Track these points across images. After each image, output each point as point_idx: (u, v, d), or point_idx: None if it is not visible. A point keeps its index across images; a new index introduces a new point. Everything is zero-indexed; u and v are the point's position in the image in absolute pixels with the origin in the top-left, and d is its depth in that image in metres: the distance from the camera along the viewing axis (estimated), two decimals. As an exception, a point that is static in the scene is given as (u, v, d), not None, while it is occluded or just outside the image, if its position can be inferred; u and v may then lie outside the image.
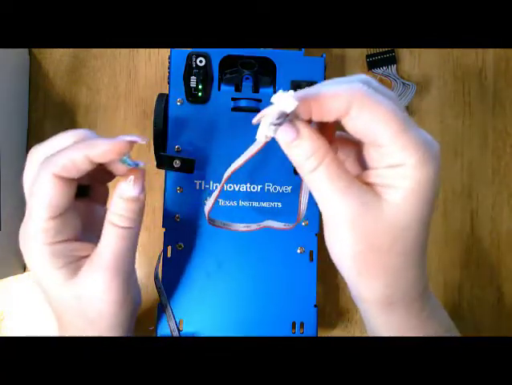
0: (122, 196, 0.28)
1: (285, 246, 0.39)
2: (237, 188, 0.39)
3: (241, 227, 0.33)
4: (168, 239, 0.38)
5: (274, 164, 0.39)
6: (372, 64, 0.45)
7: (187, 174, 0.38)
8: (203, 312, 0.38)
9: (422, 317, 0.27)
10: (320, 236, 0.39)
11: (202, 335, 0.38)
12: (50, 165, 0.27)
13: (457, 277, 0.44)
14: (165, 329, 0.38)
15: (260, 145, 0.25)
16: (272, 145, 0.39)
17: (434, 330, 0.28)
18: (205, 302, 0.38)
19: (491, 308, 0.44)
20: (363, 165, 0.26)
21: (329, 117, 0.23)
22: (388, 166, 0.23)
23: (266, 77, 0.39)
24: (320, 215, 0.39)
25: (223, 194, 0.39)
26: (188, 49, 0.39)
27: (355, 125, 0.23)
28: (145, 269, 0.44)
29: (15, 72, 0.42)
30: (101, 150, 0.26)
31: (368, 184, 0.24)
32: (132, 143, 0.27)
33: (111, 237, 0.28)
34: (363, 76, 0.24)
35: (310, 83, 0.39)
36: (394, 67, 0.44)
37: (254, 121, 0.24)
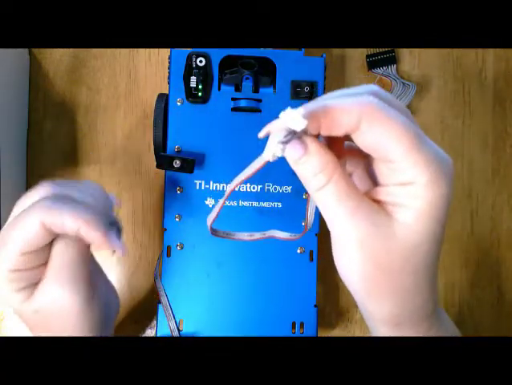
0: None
1: (285, 246, 0.39)
2: (237, 188, 0.39)
3: (244, 236, 0.32)
4: (168, 239, 0.38)
5: (274, 164, 0.39)
6: (372, 64, 0.45)
7: (187, 174, 0.38)
8: (203, 312, 0.38)
9: (429, 335, 0.27)
10: (320, 236, 0.39)
11: (202, 335, 0.38)
12: (43, 213, 0.27)
13: (457, 277, 0.44)
14: (165, 329, 0.38)
15: (265, 162, 0.24)
16: (272, 145, 0.39)
17: None
18: (205, 302, 0.38)
19: (491, 308, 0.44)
20: (372, 178, 0.25)
21: (338, 132, 0.22)
22: (398, 183, 0.22)
23: (266, 77, 0.39)
24: (320, 215, 0.39)
25: (223, 194, 0.39)
26: (188, 49, 0.39)
27: (365, 140, 0.22)
28: (145, 269, 0.44)
29: (15, 72, 0.42)
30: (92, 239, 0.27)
31: (378, 202, 0.23)
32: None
33: (59, 247, 0.29)
34: (373, 87, 0.23)
35: (311, 83, 0.39)
36: (394, 67, 0.44)
37: (261, 135, 0.23)
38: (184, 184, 0.39)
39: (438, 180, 0.21)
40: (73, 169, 0.44)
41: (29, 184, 0.44)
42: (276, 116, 0.40)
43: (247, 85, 0.39)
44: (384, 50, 0.45)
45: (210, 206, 0.38)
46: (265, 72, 0.39)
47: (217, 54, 0.39)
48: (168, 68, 0.39)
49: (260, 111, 0.39)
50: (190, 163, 0.37)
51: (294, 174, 0.38)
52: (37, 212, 0.27)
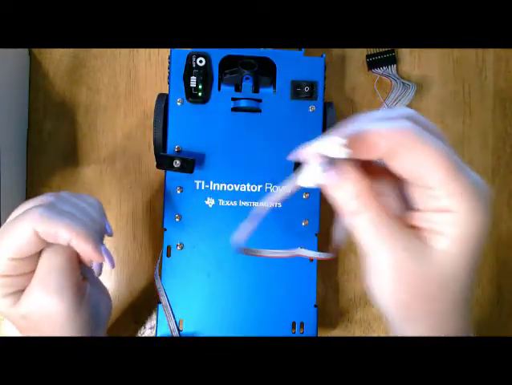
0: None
1: (285, 246, 0.39)
2: (237, 188, 0.39)
3: (271, 253, 0.32)
4: (168, 239, 0.38)
5: (274, 164, 0.39)
6: (372, 64, 0.45)
7: (187, 174, 0.38)
8: (203, 312, 0.38)
9: None
10: (320, 236, 0.39)
11: (202, 335, 0.38)
12: (36, 221, 0.27)
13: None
14: (165, 329, 0.38)
15: (298, 188, 0.23)
16: (271, 144, 0.40)
17: None
18: (205, 302, 0.38)
19: (491, 308, 0.44)
20: (405, 200, 0.24)
21: (373, 156, 0.21)
22: (435, 210, 0.21)
23: (266, 77, 0.39)
24: (320, 215, 0.39)
25: (223, 194, 0.39)
26: (188, 49, 0.39)
27: (401, 165, 0.21)
28: (145, 269, 0.44)
29: (15, 72, 0.42)
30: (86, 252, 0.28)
31: (413, 227, 0.22)
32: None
33: (47, 254, 0.29)
34: (409, 111, 0.22)
35: (311, 83, 0.39)
36: (394, 67, 0.44)
37: (291, 158, 0.23)
38: (184, 184, 0.39)
39: (476, 208, 0.21)
40: (73, 169, 0.44)
41: (29, 184, 0.44)
42: (276, 116, 0.40)
43: (247, 85, 0.39)
44: (383, 50, 0.45)
45: (210, 206, 0.38)
46: (265, 72, 0.39)
47: (217, 54, 0.39)
48: (168, 68, 0.39)
49: (260, 111, 0.39)
50: (190, 163, 0.37)
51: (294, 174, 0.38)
52: (30, 219, 0.27)
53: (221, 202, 0.39)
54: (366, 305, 0.44)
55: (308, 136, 0.39)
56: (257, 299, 0.38)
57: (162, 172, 0.40)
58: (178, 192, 0.38)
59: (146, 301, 0.43)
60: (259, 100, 0.39)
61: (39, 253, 0.29)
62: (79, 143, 0.44)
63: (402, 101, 0.43)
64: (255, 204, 0.39)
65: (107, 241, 0.35)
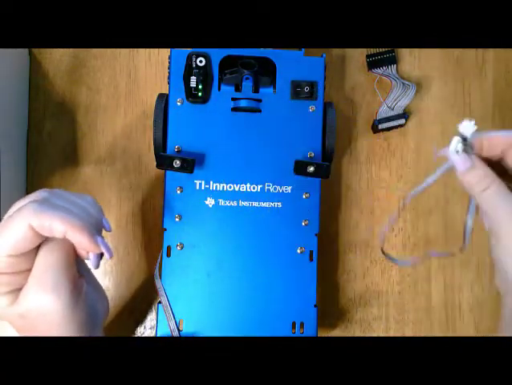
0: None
1: (285, 246, 0.39)
2: (237, 188, 0.39)
3: (406, 263, 0.38)
4: (168, 239, 0.38)
5: (274, 164, 0.39)
6: (372, 64, 0.45)
7: (187, 174, 0.38)
8: (203, 312, 0.38)
9: None
10: (320, 236, 0.39)
11: (202, 335, 0.38)
12: (31, 216, 0.27)
13: (457, 277, 0.44)
14: (165, 329, 0.38)
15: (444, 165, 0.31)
16: (271, 144, 0.40)
17: None
18: (205, 302, 0.38)
19: (491, 308, 0.44)
20: None
21: (495, 153, 0.29)
22: None
23: (266, 77, 0.39)
24: (320, 215, 0.39)
25: (223, 194, 0.39)
26: (188, 49, 0.39)
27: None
28: (145, 269, 0.44)
29: (15, 72, 0.42)
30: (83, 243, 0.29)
31: None
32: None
33: (43, 252, 0.29)
34: None
35: (311, 83, 0.39)
36: (394, 67, 0.44)
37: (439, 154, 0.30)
38: (184, 184, 0.39)
39: None
40: (73, 169, 0.44)
41: (29, 184, 0.44)
42: (276, 116, 0.40)
43: (247, 85, 0.39)
44: (384, 50, 0.45)
45: (210, 206, 0.38)
46: (265, 72, 0.39)
47: (217, 54, 0.39)
48: (168, 68, 0.39)
49: (260, 111, 0.39)
50: (190, 163, 0.37)
51: (294, 174, 0.38)
52: (25, 214, 0.28)
53: (221, 202, 0.39)
54: (366, 305, 0.44)
55: (308, 136, 0.39)
56: (257, 299, 0.38)
57: (162, 172, 0.40)
58: (178, 192, 0.38)
59: (146, 301, 0.43)
60: (259, 100, 0.39)
61: (36, 251, 0.30)
62: (79, 143, 0.44)
63: (402, 101, 0.43)
64: (255, 204, 0.39)
65: (109, 240, 0.35)
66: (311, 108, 0.39)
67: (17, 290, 0.29)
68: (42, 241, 0.29)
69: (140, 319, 0.43)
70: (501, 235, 0.29)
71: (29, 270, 0.29)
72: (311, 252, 0.39)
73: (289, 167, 0.38)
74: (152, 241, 0.44)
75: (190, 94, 0.38)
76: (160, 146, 0.39)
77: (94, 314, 0.32)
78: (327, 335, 0.44)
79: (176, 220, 0.38)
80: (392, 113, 0.43)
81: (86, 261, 0.32)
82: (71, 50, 0.45)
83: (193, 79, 0.38)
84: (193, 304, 0.38)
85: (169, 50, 0.39)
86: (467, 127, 0.29)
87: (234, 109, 0.39)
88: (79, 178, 0.44)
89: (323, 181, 0.39)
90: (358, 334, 0.44)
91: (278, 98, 0.39)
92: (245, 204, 0.39)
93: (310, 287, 0.39)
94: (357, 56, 0.45)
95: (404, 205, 0.40)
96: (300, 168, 0.37)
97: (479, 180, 0.29)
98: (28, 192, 0.44)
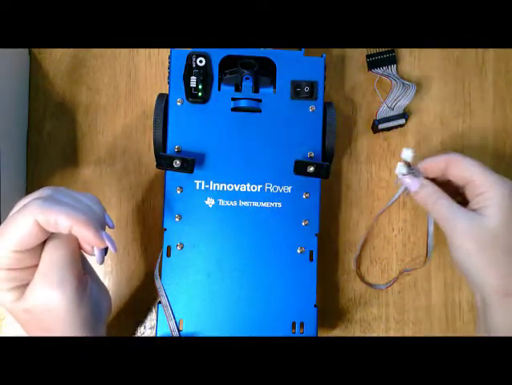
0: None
1: (285, 246, 0.39)
2: (237, 188, 0.39)
3: (381, 287, 0.43)
4: (168, 239, 0.38)
5: (274, 164, 0.39)
6: (372, 64, 0.45)
7: (187, 174, 0.38)
8: (203, 312, 0.38)
9: None
10: (320, 236, 0.39)
11: (202, 335, 0.38)
12: (37, 212, 0.28)
13: (457, 277, 0.44)
14: (165, 329, 0.38)
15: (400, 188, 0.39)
16: (271, 144, 0.40)
17: None
18: (205, 302, 0.38)
19: (491, 308, 0.44)
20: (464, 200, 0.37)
21: (439, 172, 0.37)
22: (479, 194, 0.35)
23: (266, 77, 0.39)
24: (320, 215, 0.39)
25: (223, 194, 0.39)
26: (188, 49, 0.39)
27: (453, 174, 0.36)
28: (145, 269, 0.44)
29: (15, 72, 0.42)
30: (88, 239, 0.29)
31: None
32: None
33: (49, 248, 0.30)
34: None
35: (311, 83, 0.39)
36: (394, 67, 0.44)
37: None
38: (184, 184, 0.39)
39: (503, 188, 0.34)
40: (73, 169, 0.44)
41: (29, 184, 0.44)
42: (276, 116, 0.40)
43: (247, 85, 0.39)
44: (384, 50, 0.44)
45: (210, 206, 0.38)
46: (265, 72, 0.39)
47: (217, 54, 0.39)
48: (168, 68, 0.39)
49: (260, 111, 0.39)
50: (190, 163, 0.37)
51: (294, 174, 0.38)
52: (31, 210, 0.28)
53: (221, 202, 0.39)
54: (366, 305, 0.44)
55: (308, 136, 0.39)
56: (257, 299, 0.38)
57: (162, 172, 0.40)
58: (178, 192, 0.38)
59: (146, 301, 0.43)
60: (259, 100, 0.39)
61: (42, 247, 0.30)
62: (79, 143, 0.44)
63: (402, 101, 0.43)
64: (255, 204, 0.39)
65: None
66: (311, 108, 0.39)
67: (23, 286, 0.29)
68: (48, 237, 0.30)
69: (140, 319, 0.43)
70: (452, 239, 0.35)
71: (35, 266, 0.30)
72: (311, 252, 0.39)
73: (289, 167, 0.38)
74: (152, 241, 0.44)
75: (190, 94, 0.38)
76: (160, 146, 0.39)
77: (98, 311, 0.32)
78: (327, 335, 0.44)
79: (176, 220, 0.38)
80: (391, 113, 0.43)
81: (90, 257, 0.32)
82: (71, 50, 0.45)
83: (193, 79, 0.38)
84: (193, 304, 0.38)
85: (169, 50, 0.39)
86: (406, 153, 0.36)
87: (234, 109, 0.39)
88: (79, 178, 0.44)
89: (323, 181, 0.39)
90: (358, 334, 0.44)
91: (278, 98, 0.39)
92: (245, 204, 0.39)
93: (310, 287, 0.39)
94: (357, 56, 0.45)
95: (373, 224, 0.44)
96: (300, 168, 0.37)
97: (428, 197, 0.36)
98: (28, 192, 0.44)
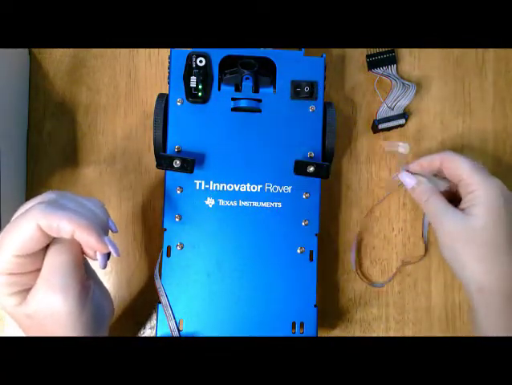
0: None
1: (285, 246, 0.39)
2: (237, 188, 0.39)
3: (380, 285, 0.44)
4: (168, 239, 0.38)
5: (274, 164, 0.39)
6: (372, 64, 0.45)
7: (187, 174, 0.38)
8: (203, 312, 0.38)
9: None
10: (320, 236, 0.39)
11: (202, 335, 0.38)
12: (39, 216, 0.28)
13: (456, 276, 0.44)
14: (165, 329, 0.38)
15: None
16: (271, 144, 0.40)
17: None
18: (205, 302, 0.38)
19: (491, 308, 0.44)
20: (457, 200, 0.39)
21: (435, 169, 0.39)
22: (469, 192, 0.36)
23: (266, 77, 0.39)
24: (320, 216, 0.39)
25: (223, 194, 0.39)
26: (188, 49, 0.39)
27: (447, 170, 0.38)
28: (145, 269, 0.44)
29: (15, 72, 0.42)
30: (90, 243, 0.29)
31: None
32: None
33: (51, 253, 0.29)
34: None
35: (311, 83, 0.39)
36: (394, 67, 0.44)
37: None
38: (184, 184, 0.39)
39: (490, 187, 0.35)
40: (73, 169, 0.44)
41: (29, 184, 0.44)
42: (276, 116, 0.40)
43: (247, 85, 0.39)
44: (384, 50, 0.44)
45: (210, 206, 0.38)
46: (265, 72, 0.39)
47: (217, 54, 0.39)
48: (168, 68, 0.39)
49: (260, 111, 0.39)
50: (190, 163, 0.37)
51: (294, 174, 0.38)
52: (33, 215, 0.28)
53: (221, 202, 0.39)
54: (366, 305, 0.44)
55: (308, 136, 0.39)
56: (257, 299, 0.38)
57: (162, 172, 0.40)
58: (178, 192, 0.38)
59: (146, 301, 0.43)
60: (259, 100, 0.39)
61: (44, 252, 0.30)
62: (79, 143, 0.44)
63: (402, 101, 0.43)
64: (255, 204, 0.39)
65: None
66: (311, 108, 0.39)
67: (25, 291, 0.29)
68: (51, 242, 0.30)
69: (140, 319, 0.43)
70: (439, 236, 0.37)
71: (37, 271, 0.29)
72: (311, 252, 0.39)
73: (289, 167, 0.38)
74: (152, 241, 0.44)
75: (190, 94, 0.38)
76: (160, 146, 0.39)
77: (100, 315, 0.32)
78: (327, 335, 0.44)
79: (176, 220, 0.38)
80: (391, 113, 0.43)
81: (93, 262, 0.32)
82: (71, 50, 0.45)
83: (193, 79, 0.38)
84: (193, 304, 0.38)
85: (169, 50, 0.39)
86: (403, 146, 0.40)
87: (234, 109, 0.39)
88: (79, 178, 0.44)
89: (323, 181, 0.39)
90: (358, 334, 0.44)
91: (278, 98, 0.39)
92: (245, 204, 0.39)
93: (310, 287, 0.39)
94: (357, 56, 0.45)
95: (366, 218, 0.45)
96: (300, 168, 0.37)
97: (423, 194, 0.38)
98: (28, 192, 0.44)
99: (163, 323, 0.38)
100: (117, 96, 0.45)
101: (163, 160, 0.37)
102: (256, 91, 0.39)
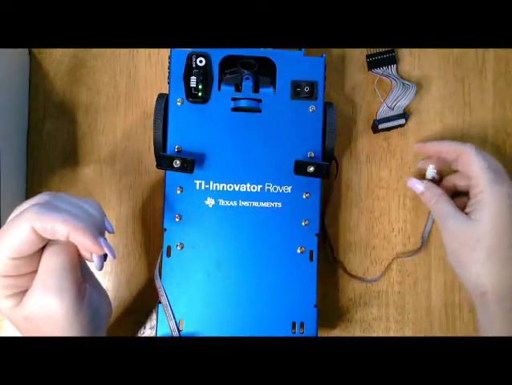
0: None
1: (285, 246, 0.39)
2: (237, 188, 0.39)
3: (372, 280, 0.44)
4: (168, 239, 0.38)
5: (274, 164, 0.39)
6: (372, 64, 0.45)
7: (187, 174, 0.38)
8: (203, 312, 0.38)
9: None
10: (320, 236, 0.39)
11: (202, 335, 0.38)
12: (33, 219, 0.27)
13: (457, 277, 0.44)
14: (165, 329, 0.38)
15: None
16: (271, 144, 0.40)
17: None
18: (205, 302, 0.38)
19: (491, 308, 0.44)
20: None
21: (451, 158, 0.40)
22: (476, 193, 0.37)
23: (266, 77, 0.39)
24: (320, 216, 0.39)
25: (223, 194, 0.39)
26: (188, 49, 0.39)
27: (461, 165, 0.39)
28: (145, 269, 0.44)
29: (15, 72, 0.42)
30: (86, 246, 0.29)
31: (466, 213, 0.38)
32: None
33: (47, 255, 0.29)
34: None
35: (311, 83, 0.39)
36: (394, 67, 0.44)
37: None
38: (184, 184, 0.39)
39: (496, 190, 0.36)
40: (73, 169, 0.44)
41: (29, 184, 0.44)
42: (276, 116, 0.40)
43: (247, 85, 0.39)
44: (384, 50, 0.44)
45: (210, 206, 0.38)
46: (265, 72, 0.39)
47: (217, 54, 0.39)
48: (168, 68, 0.39)
49: (260, 111, 0.39)
50: (190, 163, 0.37)
51: (294, 174, 0.38)
52: (28, 217, 0.28)
53: (221, 202, 0.39)
54: (366, 305, 0.44)
55: (308, 136, 0.39)
56: (257, 299, 0.38)
57: (162, 172, 0.40)
58: (178, 192, 0.38)
59: (146, 301, 0.43)
60: (259, 100, 0.39)
61: (41, 253, 0.29)
62: (79, 143, 0.44)
63: (402, 101, 0.43)
64: (255, 204, 0.39)
65: (108, 240, 0.35)
66: (311, 108, 0.39)
67: (21, 293, 0.29)
68: (47, 244, 0.29)
69: (140, 319, 0.43)
70: (443, 237, 0.38)
71: (33, 272, 0.29)
72: (311, 252, 0.39)
73: (289, 167, 0.38)
74: (152, 241, 0.44)
75: (190, 94, 0.38)
76: (160, 146, 0.39)
77: (97, 317, 0.32)
78: (327, 335, 0.44)
79: (176, 220, 0.38)
80: (391, 113, 0.43)
81: (89, 264, 0.32)
82: (71, 50, 0.45)
83: (193, 79, 0.38)
84: (193, 304, 0.38)
85: (169, 50, 0.39)
86: (430, 171, 0.41)
87: (234, 109, 0.39)
88: (79, 178, 0.44)
89: (323, 181, 0.39)
90: (358, 334, 0.44)
91: (278, 98, 0.39)
92: (245, 204, 0.39)
93: (310, 287, 0.39)
94: (357, 56, 0.45)
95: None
96: (300, 168, 0.37)
97: (431, 197, 0.39)
98: (28, 191, 0.44)
99: (163, 323, 0.38)
100: (117, 96, 0.45)
101: (163, 160, 0.37)
102: (256, 91, 0.39)
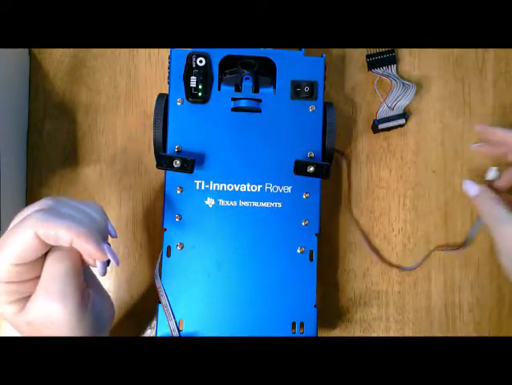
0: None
1: (285, 246, 0.39)
2: (237, 188, 0.39)
3: (411, 268, 0.44)
4: (168, 239, 0.38)
5: (274, 164, 0.39)
6: (372, 64, 0.45)
7: (187, 174, 0.38)
8: (203, 312, 0.38)
9: None
10: (320, 236, 0.39)
11: (202, 335, 0.38)
12: (36, 225, 0.27)
13: (457, 277, 0.44)
14: (165, 329, 0.38)
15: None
16: (271, 144, 0.40)
17: None
18: (205, 302, 0.38)
19: (491, 308, 0.44)
20: None
21: (506, 147, 0.39)
22: None
23: (266, 77, 0.39)
24: (321, 215, 0.39)
25: (223, 194, 0.39)
26: (188, 49, 0.39)
27: None
28: (145, 269, 0.44)
29: (15, 72, 0.42)
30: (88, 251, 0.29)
31: None
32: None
33: (50, 261, 0.29)
34: None
35: (311, 83, 0.39)
36: (394, 67, 0.44)
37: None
38: (184, 184, 0.39)
39: None
40: (73, 169, 0.44)
41: (29, 184, 0.44)
42: (276, 116, 0.40)
43: (247, 85, 0.39)
44: (384, 50, 0.45)
45: (210, 206, 0.38)
46: (265, 72, 0.39)
47: (217, 54, 0.39)
48: (168, 68, 0.39)
49: (260, 111, 0.39)
50: (190, 163, 0.37)
51: (294, 174, 0.38)
52: (31, 223, 0.27)
53: (221, 202, 0.39)
54: (366, 305, 0.44)
55: (308, 136, 0.39)
56: (257, 299, 0.38)
57: (162, 172, 0.40)
58: (178, 192, 0.38)
59: (146, 301, 0.43)
60: (259, 100, 0.39)
61: (43, 259, 0.29)
62: (79, 143, 0.44)
63: (402, 101, 0.43)
64: (255, 204, 0.39)
65: (109, 242, 0.35)
66: (311, 108, 0.39)
67: (24, 299, 0.29)
68: (50, 250, 0.29)
69: (140, 319, 0.44)
70: (497, 242, 0.37)
71: (36, 278, 0.29)
72: (311, 252, 0.39)
73: (289, 167, 0.38)
74: (152, 241, 0.44)
75: (190, 94, 0.38)
76: (160, 146, 0.39)
77: (100, 322, 0.32)
78: (327, 335, 0.44)
79: (176, 220, 0.38)
80: (391, 113, 0.43)
81: (93, 269, 0.32)
82: (71, 50, 0.45)
83: (193, 79, 0.38)
84: (193, 304, 0.38)
85: (169, 50, 0.39)
86: (492, 173, 0.41)
87: (234, 109, 0.39)
88: (79, 178, 0.44)
89: (323, 181, 0.39)
90: (358, 334, 0.44)
91: (278, 98, 0.39)
92: (245, 204, 0.39)
93: (310, 287, 0.39)
94: (357, 56, 0.45)
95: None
96: (300, 168, 0.37)
97: (485, 202, 0.39)
98: (28, 191, 0.44)
99: (163, 323, 0.38)
100: (117, 96, 0.45)
101: (163, 160, 0.37)
102: (256, 91, 0.39)
